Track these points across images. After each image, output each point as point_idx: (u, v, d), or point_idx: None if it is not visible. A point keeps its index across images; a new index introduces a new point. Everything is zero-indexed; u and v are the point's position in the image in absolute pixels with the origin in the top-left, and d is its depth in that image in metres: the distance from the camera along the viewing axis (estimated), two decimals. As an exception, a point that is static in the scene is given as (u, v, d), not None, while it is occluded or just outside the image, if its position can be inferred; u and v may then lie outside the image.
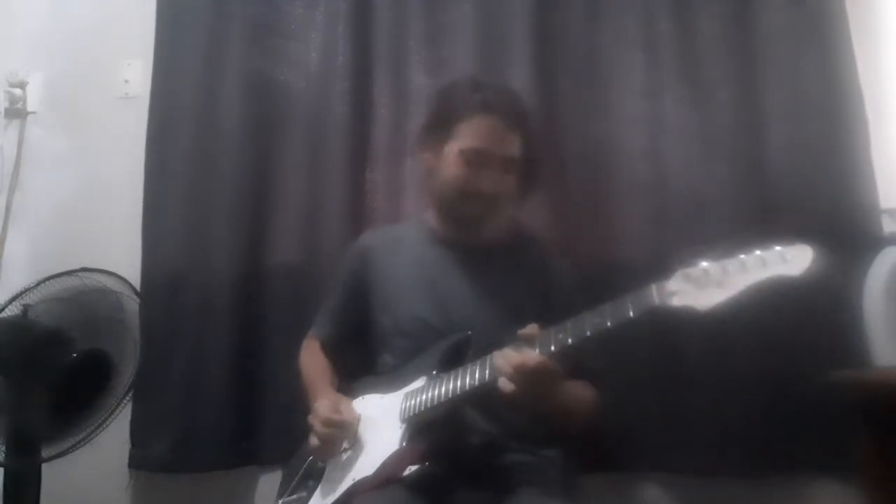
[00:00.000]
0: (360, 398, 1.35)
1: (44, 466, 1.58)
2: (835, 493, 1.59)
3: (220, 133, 1.90)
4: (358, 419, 1.30)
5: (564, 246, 1.65)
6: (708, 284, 0.96)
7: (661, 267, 1.62)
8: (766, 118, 1.71)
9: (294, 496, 1.32)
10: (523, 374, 1.07)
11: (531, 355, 1.08)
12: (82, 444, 1.62)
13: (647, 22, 1.78)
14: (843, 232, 1.62)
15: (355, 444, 1.28)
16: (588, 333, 1.05)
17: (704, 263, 0.99)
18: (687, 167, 1.71)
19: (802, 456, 1.57)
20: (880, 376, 1.42)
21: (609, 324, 1.04)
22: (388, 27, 1.89)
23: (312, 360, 1.53)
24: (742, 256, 0.96)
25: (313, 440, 1.29)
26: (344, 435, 1.28)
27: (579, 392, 1.29)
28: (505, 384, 1.09)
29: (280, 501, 1.35)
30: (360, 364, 1.46)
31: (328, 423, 1.28)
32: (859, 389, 1.42)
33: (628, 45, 1.78)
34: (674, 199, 1.71)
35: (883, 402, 1.36)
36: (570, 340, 1.07)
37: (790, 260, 0.94)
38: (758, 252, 0.96)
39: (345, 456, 1.28)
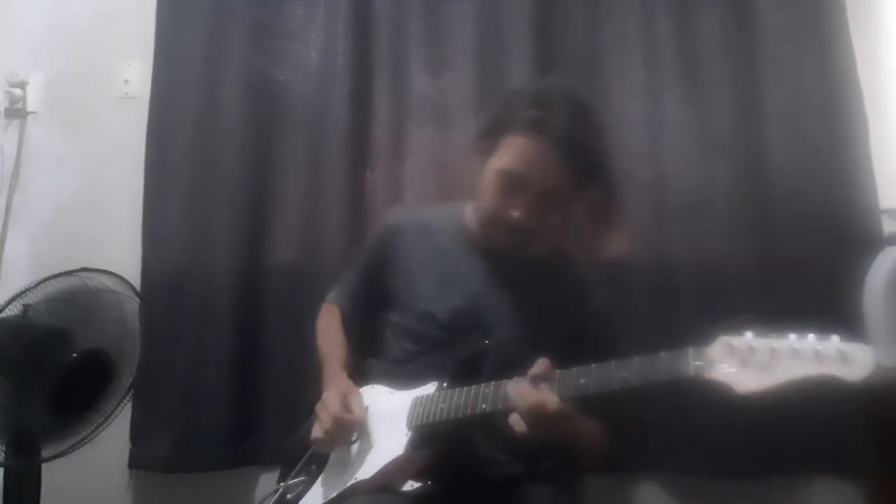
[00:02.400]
0: (370, 387, 1.31)
1: (44, 466, 1.58)
2: (835, 493, 1.59)
3: (220, 133, 1.90)
4: (366, 418, 1.26)
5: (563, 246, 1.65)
6: (752, 365, 0.88)
7: (661, 266, 1.67)
8: (766, 118, 1.71)
9: (297, 479, 1.30)
10: (538, 416, 1.03)
11: (550, 398, 1.03)
12: (82, 443, 1.62)
13: (647, 22, 1.78)
14: (843, 232, 1.62)
15: (361, 437, 1.26)
16: (611, 387, 0.99)
17: (749, 336, 0.90)
18: (687, 167, 1.71)
19: (802, 456, 1.57)
20: (880, 376, 1.42)
21: (636, 383, 0.97)
22: (388, 27, 1.89)
23: (330, 330, 1.47)
24: (793, 341, 0.86)
25: (318, 431, 1.26)
26: (349, 433, 1.26)
27: (589, 430, 1.22)
28: (517, 422, 1.05)
29: (282, 484, 1.32)
30: (373, 344, 1.42)
31: (336, 421, 1.23)
32: (859, 389, 1.42)
33: (628, 45, 1.78)
34: (674, 199, 1.71)
35: (883, 402, 1.36)
36: (590, 390, 1.01)
37: (850, 362, 0.84)
38: (812, 339, 0.86)
39: (352, 447, 1.26)
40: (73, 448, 1.60)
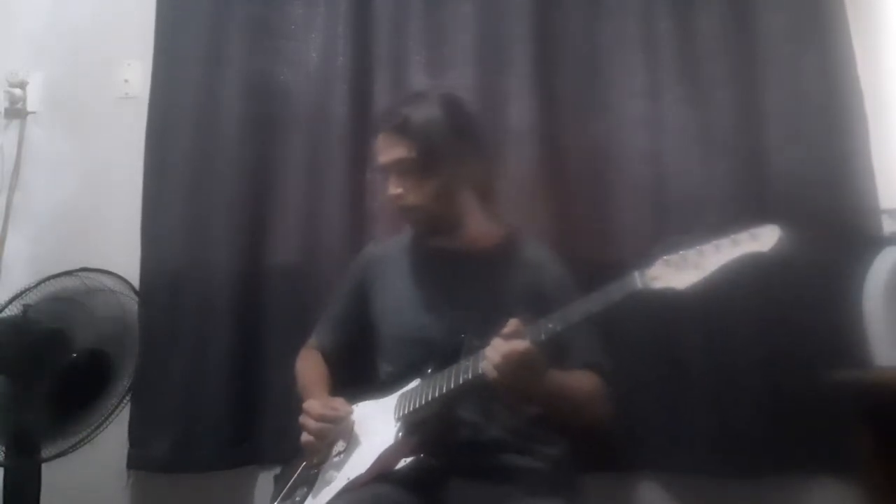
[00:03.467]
0: (356, 405, 1.35)
1: (44, 466, 1.58)
2: (835, 493, 1.59)
3: (220, 133, 1.90)
4: (351, 414, 1.32)
5: (564, 246, 1.65)
6: (686, 267, 1.05)
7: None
8: (766, 118, 1.71)
9: (288, 501, 1.32)
10: (510, 362, 1.10)
11: (519, 343, 1.11)
12: (82, 444, 1.62)
13: (647, 22, 1.78)
14: (843, 232, 1.62)
15: (349, 445, 1.29)
16: (576, 319, 1.11)
17: (681, 250, 1.08)
18: (687, 167, 1.71)
19: (802, 456, 1.57)
20: (880, 376, 1.43)
21: (594, 309, 1.10)
22: (388, 27, 1.88)
23: (310, 367, 1.53)
24: (716, 241, 1.06)
25: (304, 437, 1.31)
26: (336, 431, 1.30)
27: (579, 383, 1.29)
28: (489, 370, 1.12)
29: None
30: (359, 375, 1.48)
31: (320, 418, 1.30)
32: (859, 389, 1.42)
33: (628, 45, 1.78)
34: (674, 199, 1.71)
35: (883, 402, 1.36)
36: (558, 328, 1.12)
37: (759, 238, 1.03)
38: (731, 235, 1.05)
39: (338, 458, 1.29)
40: (73, 448, 1.60)
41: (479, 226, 1.44)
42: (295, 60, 1.93)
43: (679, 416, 1.62)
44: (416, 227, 1.46)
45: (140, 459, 1.82)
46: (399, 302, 1.44)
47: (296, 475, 1.36)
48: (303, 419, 1.33)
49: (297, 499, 1.30)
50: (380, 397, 1.32)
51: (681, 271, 1.05)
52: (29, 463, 1.55)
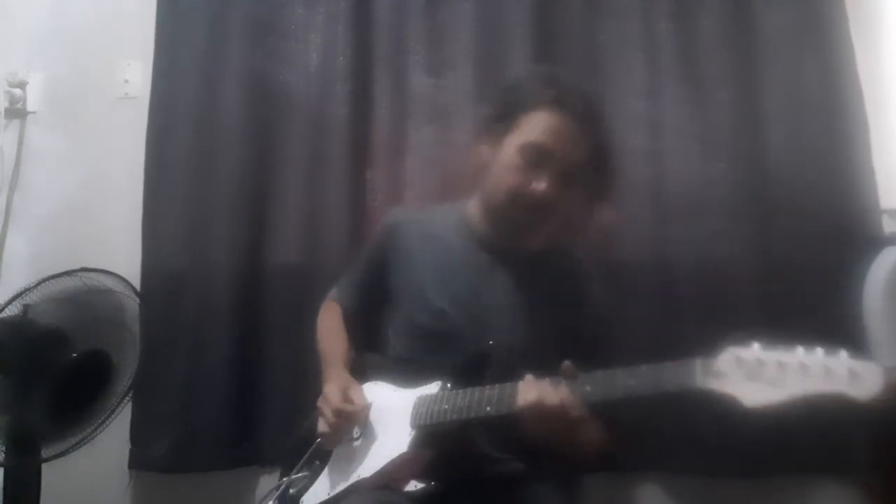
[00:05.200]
0: (373, 384, 1.31)
1: (44, 466, 1.58)
2: (835, 493, 1.59)
3: (220, 133, 1.90)
4: (368, 408, 1.27)
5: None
6: (760, 378, 0.87)
7: (660, 266, 1.67)
8: (766, 118, 1.71)
9: (300, 475, 1.31)
10: (545, 412, 1.03)
11: (562, 392, 1.03)
12: (82, 444, 1.62)
13: (647, 22, 1.78)
14: (843, 232, 1.62)
15: (364, 433, 1.27)
16: (617, 396, 1.00)
17: (757, 348, 0.89)
18: (687, 167, 1.71)
19: (802, 456, 1.57)
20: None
21: (642, 392, 0.98)
22: (388, 27, 1.89)
23: (330, 327, 1.48)
24: (803, 356, 0.86)
25: (322, 426, 1.27)
26: (353, 424, 1.26)
27: (589, 430, 1.21)
28: (526, 419, 1.05)
29: (285, 479, 1.33)
30: (375, 340, 1.42)
31: (338, 413, 1.25)
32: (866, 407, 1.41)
33: (628, 45, 1.78)
34: (674, 199, 1.71)
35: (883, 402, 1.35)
36: (596, 398, 1.02)
37: (859, 381, 0.83)
38: (821, 355, 0.86)
39: (356, 443, 1.26)
40: (73, 448, 1.60)
41: (559, 218, 1.27)
42: (295, 60, 1.93)
43: (679, 417, 1.62)
44: (511, 222, 1.27)
45: (140, 459, 1.83)
46: (423, 279, 1.33)
47: (312, 448, 1.33)
48: (321, 405, 1.28)
49: (309, 473, 1.30)
50: (397, 384, 1.28)
51: (753, 381, 0.86)
52: (29, 463, 1.55)
